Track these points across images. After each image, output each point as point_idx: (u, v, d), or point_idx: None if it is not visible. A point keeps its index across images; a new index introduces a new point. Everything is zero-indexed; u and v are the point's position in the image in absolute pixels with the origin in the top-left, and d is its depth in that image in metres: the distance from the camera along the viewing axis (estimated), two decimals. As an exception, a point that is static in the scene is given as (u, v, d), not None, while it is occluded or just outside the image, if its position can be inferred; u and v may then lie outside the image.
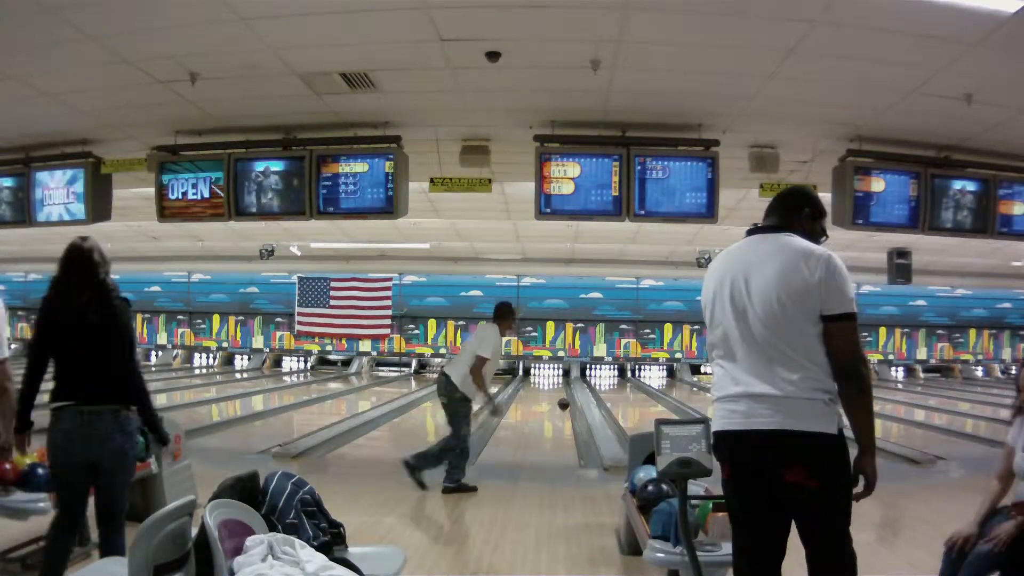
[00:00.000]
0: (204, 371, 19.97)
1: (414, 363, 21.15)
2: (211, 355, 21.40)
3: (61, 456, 3.24)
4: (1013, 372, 21.43)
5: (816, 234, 2.68)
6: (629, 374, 20.51)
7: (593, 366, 20.49)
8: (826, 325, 2.42)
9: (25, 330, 22.04)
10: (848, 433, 2.46)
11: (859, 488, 2.46)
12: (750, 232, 2.71)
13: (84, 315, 3.23)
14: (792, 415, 2.39)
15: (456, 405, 6.37)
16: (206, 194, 6.52)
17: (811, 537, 2.46)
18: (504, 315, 6.58)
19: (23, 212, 6.92)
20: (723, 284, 2.61)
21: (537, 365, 20.39)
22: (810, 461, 2.40)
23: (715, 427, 2.61)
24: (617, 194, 6.16)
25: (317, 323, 20.61)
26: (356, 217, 6.62)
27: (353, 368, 20.92)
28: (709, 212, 6.26)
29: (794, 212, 2.67)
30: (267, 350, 21.28)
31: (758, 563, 2.56)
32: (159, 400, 8.68)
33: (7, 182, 7.02)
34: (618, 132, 6.20)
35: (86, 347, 3.24)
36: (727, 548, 3.16)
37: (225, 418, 11.65)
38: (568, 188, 6.18)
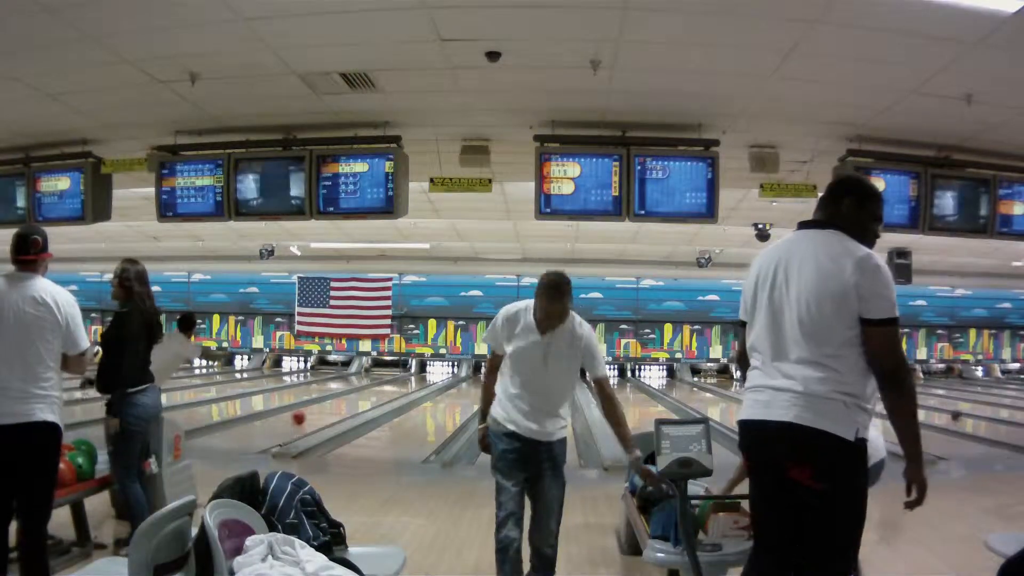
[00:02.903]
0: (204, 371, 19.97)
1: (414, 363, 21.14)
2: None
3: (148, 422, 4.41)
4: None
5: (863, 224, 2.56)
6: (629, 374, 20.51)
7: (593, 366, 20.48)
8: (865, 329, 2.35)
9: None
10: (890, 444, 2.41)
11: (911, 497, 2.42)
12: (800, 226, 2.65)
13: (153, 319, 4.51)
14: (808, 410, 2.34)
15: None
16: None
17: (807, 543, 2.40)
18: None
19: (23, 211, 6.93)
20: (765, 278, 2.57)
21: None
22: (817, 461, 2.34)
23: (739, 416, 2.59)
24: (617, 194, 6.16)
25: (317, 323, 20.63)
26: (356, 217, 6.62)
27: (353, 368, 20.93)
28: (709, 212, 6.26)
29: (834, 205, 2.59)
30: (267, 350, 21.29)
31: (772, 557, 2.53)
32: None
33: (7, 182, 7.03)
34: (618, 132, 6.20)
35: (150, 343, 4.48)
36: (727, 548, 3.17)
37: (225, 418, 11.66)
38: (568, 188, 6.17)
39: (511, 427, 3.50)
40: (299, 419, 10.27)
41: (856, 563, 2.41)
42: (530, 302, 3.54)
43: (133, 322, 4.36)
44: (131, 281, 4.39)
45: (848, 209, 2.56)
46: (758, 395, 2.50)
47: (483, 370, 3.87)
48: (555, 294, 3.43)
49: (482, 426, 3.72)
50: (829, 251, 2.44)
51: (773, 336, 2.51)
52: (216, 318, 21.12)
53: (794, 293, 2.47)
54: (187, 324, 7.65)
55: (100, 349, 4.52)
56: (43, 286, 3.34)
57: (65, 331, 3.34)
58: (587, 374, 3.61)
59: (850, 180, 2.73)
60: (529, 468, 3.52)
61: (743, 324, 2.71)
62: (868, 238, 2.54)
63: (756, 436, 2.51)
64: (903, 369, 2.37)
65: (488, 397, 3.69)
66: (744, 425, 2.55)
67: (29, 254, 3.39)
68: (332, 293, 20.46)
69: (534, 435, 3.50)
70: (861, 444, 2.35)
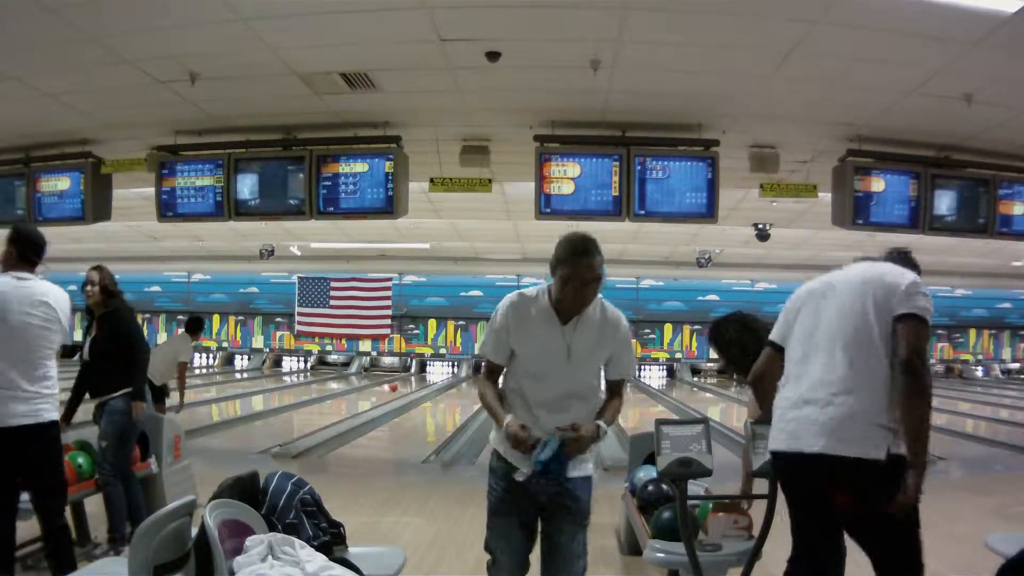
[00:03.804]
0: (204, 371, 19.96)
1: (414, 363, 21.11)
2: (211, 355, 21.40)
3: (147, 419, 4.67)
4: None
5: None
6: (629, 374, 20.50)
7: (593, 366, 20.48)
8: (895, 325, 2.40)
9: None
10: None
11: (901, 496, 2.29)
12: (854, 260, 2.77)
13: None
14: (835, 438, 2.38)
15: None
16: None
17: (873, 556, 2.47)
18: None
19: (24, 212, 6.93)
20: (808, 302, 2.66)
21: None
22: (854, 487, 2.38)
23: (771, 445, 2.63)
24: (617, 194, 6.16)
25: (317, 323, 20.63)
26: (356, 217, 6.62)
27: (353, 368, 20.93)
28: (709, 212, 6.26)
29: (891, 256, 2.75)
30: (267, 350, 21.29)
31: (818, 560, 2.58)
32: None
33: (7, 182, 7.03)
34: (618, 132, 6.20)
35: None
36: (727, 548, 3.17)
37: (225, 418, 11.66)
38: (568, 188, 6.17)
39: (515, 463, 2.63)
40: (394, 388, 10.88)
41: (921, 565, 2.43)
42: (538, 287, 2.72)
43: (132, 318, 4.62)
44: (113, 284, 4.57)
45: (902, 262, 2.69)
46: (784, 424, 2.54)
47: (481, 378, 2.87)
48: (584, 257, 2.54)
49: (509, 417, 2.61)
50: (885, 268, 2.59)
51: (805, 351, 2.57)
52: (216, 318, 21.12)
53: (838, 304, 2.54)
54: (195, 327, 7.76)
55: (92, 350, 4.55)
56: (44, 288, 3.40)
57: (63, 330, 3.45)
58: (607, 373, 2.78)
59: (905, 251, 2.85)
60: (540, 520, 2.71)
61: (777, 348, 2.74)
62: None
63: (790, 466, 2.55)
64: (921, 362, 2.35)
65: (498, 395, 2.74)
66: (777, 456, 2.60)
67: (40, 258, 3.47)
68: (332, 293, 20.46)
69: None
70: (896, 460, 2.34)
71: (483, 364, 2.84)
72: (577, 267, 2.53)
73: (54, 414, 3.38)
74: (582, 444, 2.58)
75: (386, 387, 16.51)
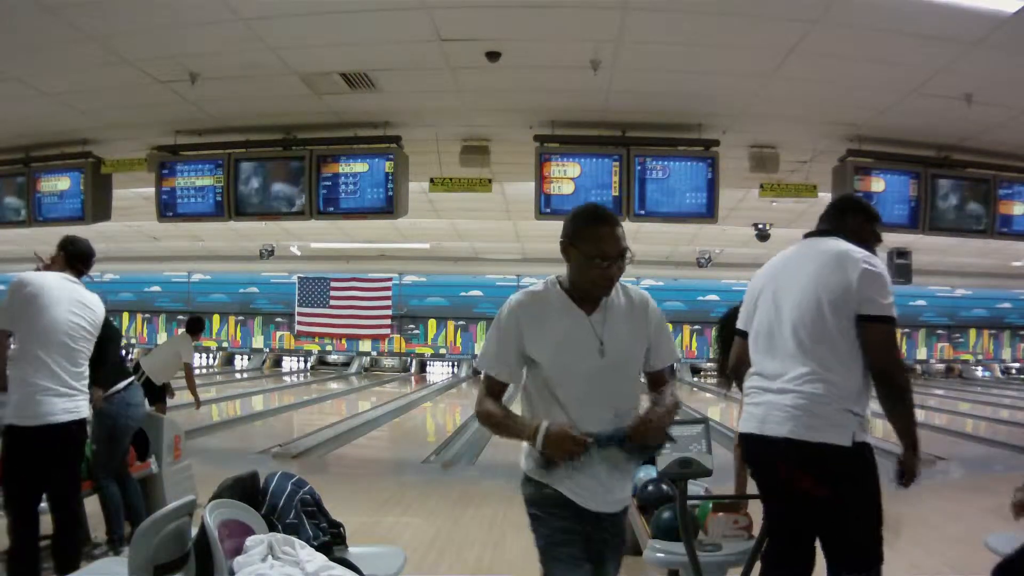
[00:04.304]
0: (204, 371, 19.95)
1: (414, 363, 21.10)
2: (211, 355, 21.39)
3: (140, 421, 4.66)
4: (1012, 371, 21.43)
5: (867, 238, 2.66)
6: (629, 374, 20.48)
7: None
8: (861, 326, 2.39)
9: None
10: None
11: (902, 481, 2.51)
12: (805, 236, 2.73)
13: None
14: (802, 423, 2.38)
15: None
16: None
17: (827, 546, 2.47)
18: None
19: (24, 212, 6.93)
20: (767, 286, 2.65)
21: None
22: (818, 471, 2.39)
23: (739, 428, 2.67)
24: (617, 194, 6.16)
25: (317, 323, 20.63)
26: (356, 217, 6.62)
27: (353, 368, 20.94)
28: (709, 212, 6.26)
29: (839, 218, 2.69)
30: (267, 350, 21.28)
31: (787, 542, 2.60)
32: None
33: (7, 182, 7.03)
34: (618, 132, 6.20)
35: None
36: (727, 548, 3.17)
37: (225, 418, 11.66)
38: (568, 188, 6.17)
39: (566, 493, 2.18)
40: (419, 380, 11.33)
41: (880, 556, 2.43)
42: (544, 280, 2.28)
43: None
44: None
45: (853, 223, 2.66)
46: (754, 408, 2.56)
47: (479, 399, 2.26)
48: (606, 225, 2.15)
49: (544, 424, 2.12)
50: (832, 253, 2.51)
51: (768, 341, 2.57)
52: (216, 318, 21.11)
53: (794, 296, 2.52)
54: (196, 327, 7.81)
55: None
56: (88, 294, 3.62)
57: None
58: (648, 365, 2.32)
59: (855, 198, 2.85)
60: (591, 556, 2.22)
61: (744, 335, 2.76)
62: (869, 250, 2.60)
63: (757, 449, 2.57)
64: (897, 368, 2.42)
65: (506, 410, 2.24)
66: (744, 438, 2.62)
67: (87, 267, 3.68)
68: (332, 293, 20.46)
69: (598, 505, 2.20)
70: (860, 448, 2.39)
71: (481, 384, 2.30)
72: (601, 238, 2.12)
73: (88, 410, 3.58)
74: (649, 431, 2.12)
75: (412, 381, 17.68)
